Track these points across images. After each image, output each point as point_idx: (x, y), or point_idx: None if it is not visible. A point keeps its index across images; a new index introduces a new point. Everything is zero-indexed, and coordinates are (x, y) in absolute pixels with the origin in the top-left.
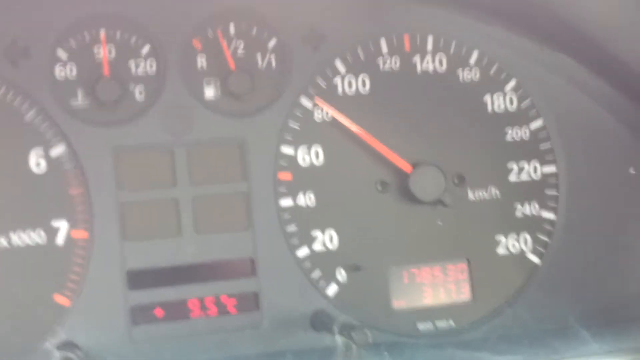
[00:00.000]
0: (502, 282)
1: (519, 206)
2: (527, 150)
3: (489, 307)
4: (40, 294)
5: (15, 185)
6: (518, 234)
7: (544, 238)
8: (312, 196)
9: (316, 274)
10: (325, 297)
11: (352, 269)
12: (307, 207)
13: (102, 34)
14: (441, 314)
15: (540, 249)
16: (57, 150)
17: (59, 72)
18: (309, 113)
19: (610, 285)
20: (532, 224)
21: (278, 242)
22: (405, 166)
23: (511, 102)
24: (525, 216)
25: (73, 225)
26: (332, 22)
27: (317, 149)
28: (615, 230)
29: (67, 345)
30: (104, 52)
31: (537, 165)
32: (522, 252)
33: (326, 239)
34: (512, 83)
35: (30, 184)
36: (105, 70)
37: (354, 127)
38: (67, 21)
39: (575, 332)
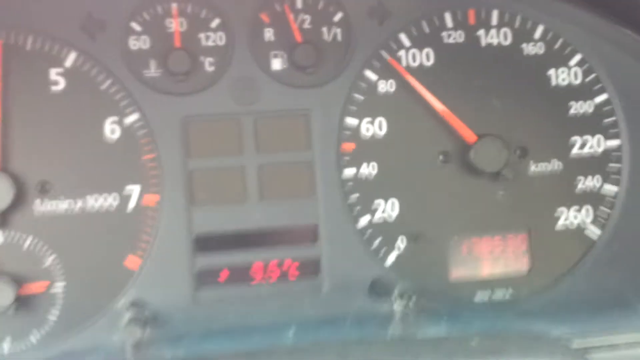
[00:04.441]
0: (562, 254)
1: (581, 179)
2: (591, 125)
3: (548, 278)
4: (112, 256)
5: (91, 152)
6: (579, 207)
7: (606, 210)
8: (375, 166)
9: (376, 242)
10: (385, 265)
11: (412, 238)
12: (370, 177)
13: (174, 7)
14: (499, 284)
15: (601, 221)
16: (131, 118)
17: (133, 44)
18: (372, 85)
19: None
20: (594, 197)
21: (340, 211)
22: (469, 136)
23: (575, 76)
24: (588, 189)
25: (145, 190)
26: None
27: (381, 120)
28: None
29: (137, 305)
30: (176, 25)
31: (601, 138)
32: (583, 225)
33: (387, 209)
34: (576, 58)
35: (105, 151)
36: (177, 42)
37: (425, 93)
38: None
39: (633, 306)
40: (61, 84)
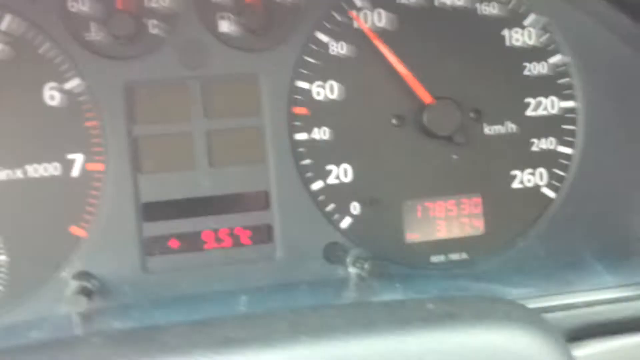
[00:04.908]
0: (516, 216)
1: (535, 141)
2: (546, 85)
3: (502, 239)
4: (57, 225)
5: (31, 119)
6: (534, 169)
7: (561, 172)
8: (328, 130)
9: (330, 207)
10: (339, 230)
11: (366, 202)
12: (323, 141)
13: None
14: (454, 246)
15: (556, 183)
16: (72, 83)
17: (72, 5)
18: (324, 48)
19: (625, 220)
20: (548, 159)
21: (292, 176)
22: (426, 97)
23: (530, 36)
24: (542, 151)
25: (89, 158)
26: None
27: (333, 83)
28: (632, 165)
29: (83, 275)
30: None
31: (555, 100)
32: (537, 187)
33: (341, 173)
34: (531, 18)
35: (46, 117)
36: (119, 4)
37: (386, 52)
38: None
39: (589, 265)
40: None
